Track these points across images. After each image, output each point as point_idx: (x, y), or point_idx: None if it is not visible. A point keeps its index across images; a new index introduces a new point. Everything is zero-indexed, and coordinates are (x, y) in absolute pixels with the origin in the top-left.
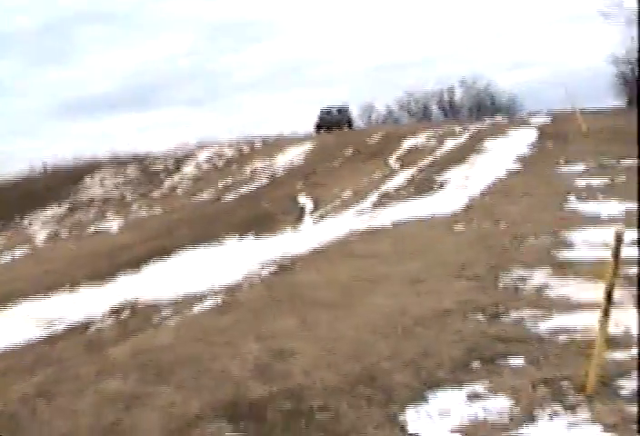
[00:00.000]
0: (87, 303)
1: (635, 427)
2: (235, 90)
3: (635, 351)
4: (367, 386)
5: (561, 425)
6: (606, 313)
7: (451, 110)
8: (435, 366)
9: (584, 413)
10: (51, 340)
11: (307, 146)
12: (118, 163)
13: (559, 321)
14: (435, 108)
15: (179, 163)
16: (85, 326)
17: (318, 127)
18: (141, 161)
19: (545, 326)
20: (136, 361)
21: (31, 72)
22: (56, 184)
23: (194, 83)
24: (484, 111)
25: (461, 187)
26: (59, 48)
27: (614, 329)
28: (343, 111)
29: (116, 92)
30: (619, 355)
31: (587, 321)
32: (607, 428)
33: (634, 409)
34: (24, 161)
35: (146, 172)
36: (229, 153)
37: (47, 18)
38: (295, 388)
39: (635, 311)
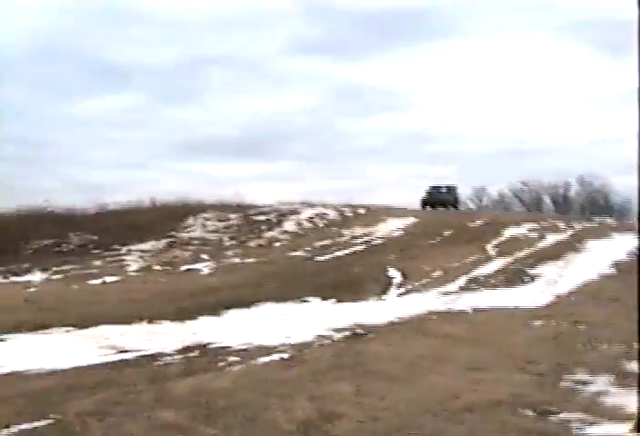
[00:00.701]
0: (163, 337)
1: None
2: (351, 153)
3: None
4: None
5: None
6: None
7: (564, 204)
8: None
9: None
10: (120, 365)
11: (409, 220)
12: (223, 208)
13: (606, 428)
14: (547, 200)
15: (282, 217)
16: (155, 358)
17: (424, 203)
18: (245, 209)
19: (589, 431)
20: (192, 399)
21: (156, 107)
22: (160, 220)
23: (310, 141)
24: (596, 210)
25: (551, 283)
26: (187, 87)
27: None
28: (451, 190)
29: (232, 137)
30: None
31: None
32: None
33: None
34: (134, 192)
35: (248, 221)
36: (332, 215)
37: (180, 56)
38: None
39: None
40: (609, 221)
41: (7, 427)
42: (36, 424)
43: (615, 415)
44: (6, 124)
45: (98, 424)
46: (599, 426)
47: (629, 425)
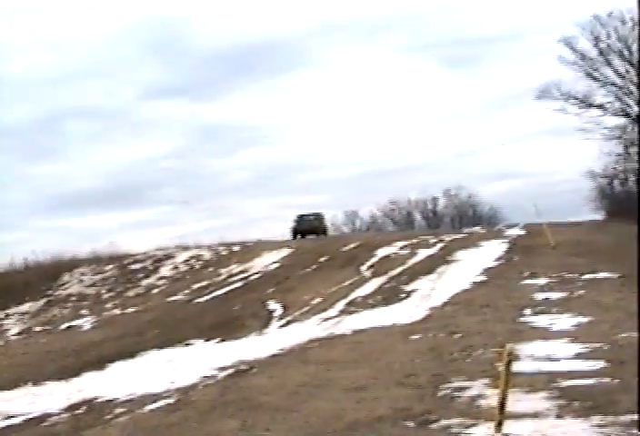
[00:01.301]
0: (48, 398)
1: None
2: (220, 192)
3: None
4: None
5: None
6: (500, 424)
7: (434, 219)
8: None
9: None
10: (7, 431)
11: (284, 252)
12: (98, 260)
13: (483, 429)
14: (418, 216)
15: (157, 263)
16: (42, 419)
17: (295, 233)
18: (120, 259)
19: (468, 433)
20: None
21: (19, 165)
22: (35, 280)
23: (180, 183)
24: (466, 221)
25: (425, 297)
26: (48, 143)
27: None
28: (318, 217)
29: (101, 188)
30: None
31: (510, 429)
32: None
33: None
34: (4, 255)
35: (124, 270)
36: (207, 255)
37: (37, 113)
38: None
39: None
40: (478, 230)
41: None
42: None
43: (492, 416)
44: None
45: None
46: (477, 427)
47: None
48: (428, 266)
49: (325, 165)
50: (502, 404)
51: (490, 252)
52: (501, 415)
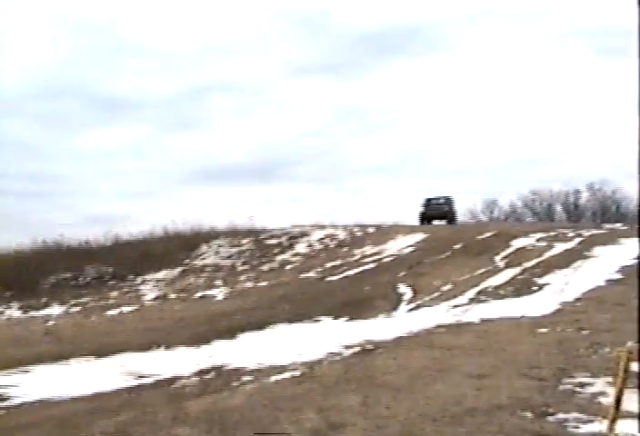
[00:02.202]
0: (179, 362)
1: None
2: (358, 172)
3: None
4: None
5: None
6: (613, 422)
7: (575, 212)
8: None
9: None
10: (139, 389)
11: (419, 237)
12: (235, 233)
13: (598, 426)
14: (559, 209)
15: (293, 240)
16: (172, 381)
17: (422, 218)
18: (257, 234)
19: (584, 429)
20: (207, 416)
21: (162, 136)
22: (173, 249)
23: (319, 161)
24: (608, 216)
25: (558, 291)
26: (191, 116)
27: None
28: (448, 202)
29: (242, 163)
30: None
31: (629, 428)
32: None
33: None
34: (145, 223)
35: (260, 245)
36: (342, 235)
37: (182, 85)
38: None
39: None
40: (619, 227)
41: None
42: None
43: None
44: (18, 161)
45: None
46: (592, 424)
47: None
48: (564, 260)
49: (464, 151)
50: (617, 402)
51: (630, 249)
52: (615, 413)
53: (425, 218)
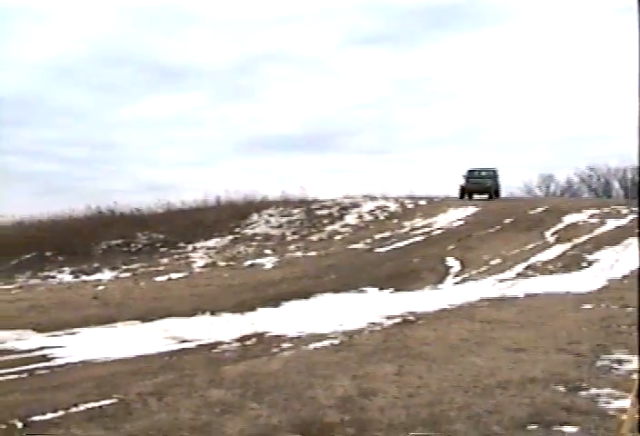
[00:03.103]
0: (222, 328)
1: None
2: (413, 144)
3: None
4: (427, 428)
5: None
6: (638, 394)
7: (632, 189)
8: (495, 422)
9: None
10: (180, 353)
11: (470, 210)
12: (286, 203)
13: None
14: (616, 185)
15: (343, 210)
16: (213, 346)
17: (462, 192)
18: (308, 204)
19: (616, 404)
20: (243, 380)
21: (217, 105)
22: (225, 217)
23: (373, 133)
24: None
25: (606, 268)
26: (247, 85)
27: None
28: (491, 176)
29: (295, 132)
30: None
31: None
32: None
33: None
34: (198, 191)
35: (311, 215)
36: (393, 207)
37: (238, 55)
38: (365, 419)
39: None
40: None
41: (76, 405)
42: (101, 403)
43: None
44: (73, 128)
45: (157, 402)
46: (624, 400)
47: None
48: (615, 237)
49: (521, 125)
50: None
51: None
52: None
53: (466, 192)
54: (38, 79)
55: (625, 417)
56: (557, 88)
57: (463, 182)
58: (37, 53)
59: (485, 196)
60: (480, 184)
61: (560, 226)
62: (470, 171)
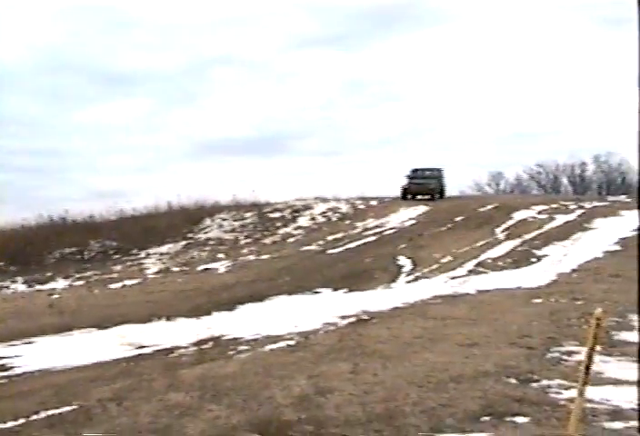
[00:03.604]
0: (179, 333)
1: None
2: (362, 146)
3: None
4: (382, 423)
5: None
6: (584, 384)
7: (581, 184)
8: (449, 415)
9: None
10: (137, 359)
11: (421, 209)
12: (238, 207)
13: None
14: (565, 181)
15: (296, 213)
16: (170, 351)
17: (405, 193)
18: (260, 208)
19: (566, 395)
20: (201, 383)
21: (165, 110)
22: (178, 222)
23: (323, 135)
24: (614, 188)
25: (555, 263)
26: (193, 90)
27: None
28: (435, 176)
29: (244, 136)
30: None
31: (609, 394)
32: None
33: None
34: (149, 197)
35: (263, 218)
36: (344, 208)
37: (183, 59)
38: (322, 417)
39: None
40: (623, 199)
41: (36, 413)
42: (61, 410)
43: (594, 381)
44: (20, 136)
45: (116, 407)
46: (574, 390)
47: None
48: (564, 232)
49: (469, 124)
50: (587, 368)
51: (629, 221)
52: (585, 379)
53: (408, 193)
54: None
55: (573, 406)
56: (502, 86)
57: (405, 182)
58: None
59: (428, 197)
60: (423, 185)
61: (510, 223)
62: (414, 170)
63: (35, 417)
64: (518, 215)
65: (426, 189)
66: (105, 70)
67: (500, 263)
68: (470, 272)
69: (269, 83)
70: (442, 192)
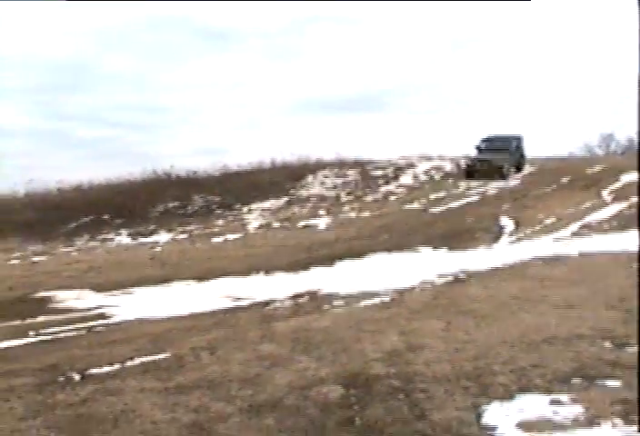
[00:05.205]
0: (276, 286)
1: None
2: (468, 104)
3: None
4: (470, 380)
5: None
6: None
7: None
8: (538, 375)
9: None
10: (234, 311)
11: (527, 169)
12: (341, 164)
13: None
14: None
15: (398, 171)
16: (266, 304)
17: (468, 172)
18: (363, 165)
19: None
20: (294, 335)
21: (266, 67)
22: (280, 179)
23: (430, 93)
24: None
25: None
26: (297, 45)
27: None
28: (512, 145)
29: (351, 93)
30: None
31: None
32: None
33: None
34: (253, 153)
35: (366, 176)
36: (448, 167)
37: (284, 18)
38: (410, 372)
39: None
40: None
41: (131, 359)
42: (155, 357)
43: None
44: (125, 93)
45: (209, 356)
46: None
47: None
48: None
49: (578, 85)
50: None
51: None
52: None
53: (473, 172)
54: (87, 45)
55: None
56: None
57: (475, 153)
58: (85, 19)
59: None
60: (489, 162)
61: (618, 185)
62: (485, 140)
63: (129, 363)
64: (626, 178)
65: (494, 168)
66: (208, 26)
67: (605, 226)
68: (574, 234)
69: (375, 40)
70: (520, 166)
